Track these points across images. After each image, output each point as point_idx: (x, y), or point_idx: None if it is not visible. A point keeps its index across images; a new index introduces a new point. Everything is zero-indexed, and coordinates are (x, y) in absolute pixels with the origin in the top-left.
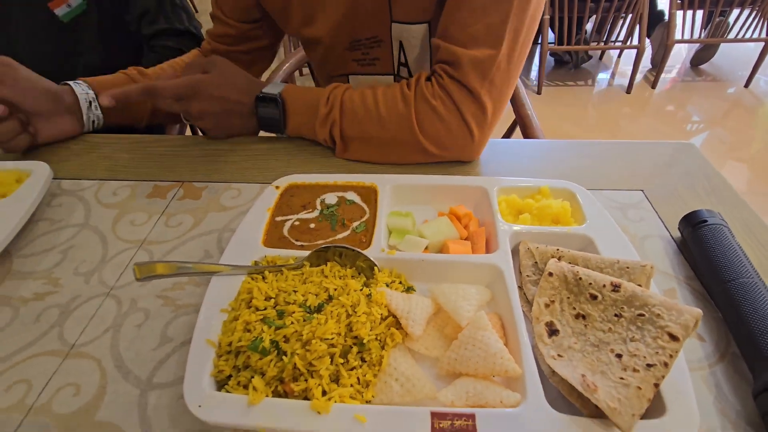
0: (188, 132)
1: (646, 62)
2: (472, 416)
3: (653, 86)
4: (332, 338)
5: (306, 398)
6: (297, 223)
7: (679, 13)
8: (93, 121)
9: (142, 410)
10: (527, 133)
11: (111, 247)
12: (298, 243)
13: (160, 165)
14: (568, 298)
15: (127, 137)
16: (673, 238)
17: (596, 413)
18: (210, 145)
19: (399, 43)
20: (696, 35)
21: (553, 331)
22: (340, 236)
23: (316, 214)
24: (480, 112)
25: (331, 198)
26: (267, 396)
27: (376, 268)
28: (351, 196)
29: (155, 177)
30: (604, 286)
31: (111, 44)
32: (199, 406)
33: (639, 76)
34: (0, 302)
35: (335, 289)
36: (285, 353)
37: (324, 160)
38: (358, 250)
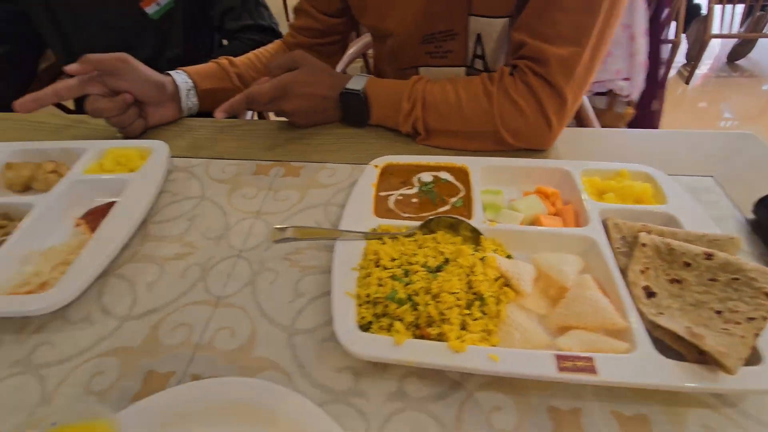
0: (254, 117)
1: (680, 57)
2: (590, 359)
3: (687, 82)
4: (458, 292)
5: (440, 342)
6: (400, 197)
7: (718, 8)
8: (189, 107)
9: (292, 349)
10: (583, 123)
11: (231, 217)
12: (405, 214)
13: (257, 146)
14: (662, 266)
15: (219, 122)
16: (746, 220)
17: (699, 361)
18: (296, 130)
19: (476, 36)
20: (735, 30)
21: (650, 294)
22: (441, 210)
23: (415, 190)
24: (561, 107)
25: (426, 177)
26: (408, 338)
27: (482, 236)
28: (444, 175)
29: (255, 157)
30: (697, 255)
31: (192, 39)
32: (353, 344)
33: (673, 71)
34: (147, 260)
35: (450, 253)
36: (417, 304)
37: (404, 145)
38: (467, 220)
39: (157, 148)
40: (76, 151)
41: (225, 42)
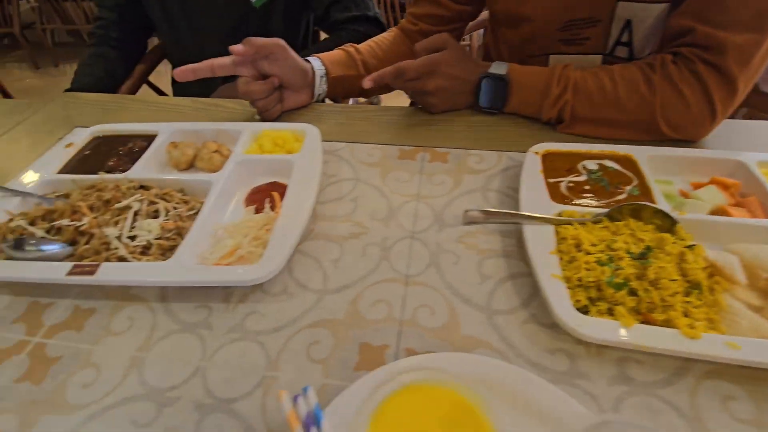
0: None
1: None
2: None
3: None
4: (677, 279)
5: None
6: (571, 184)
7: None
8: (319, 93)
9: (497, 330)
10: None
11: (392, 199)
12: (582, 201)
13: (393, 132)
14: None
15: (349, 107)
16: None
17: None
18: (427, 116)
19: (625, 22)
20: None
21: None
22: (620, 198)
23: (584, 177)
24: (731, 97)
25: (591, 164)
26: (634, 323)
27: (678, 225)
28: (610, 163)
29: (392, 141)
30: None
31: (290, 29)
32: (580, 326)
33: None
34: (324, 238)
35: (650, 241)
36: (635, 290)
37: (541, 132)
38: (663, 209)
39: (309, 131)
40: (232, 132)
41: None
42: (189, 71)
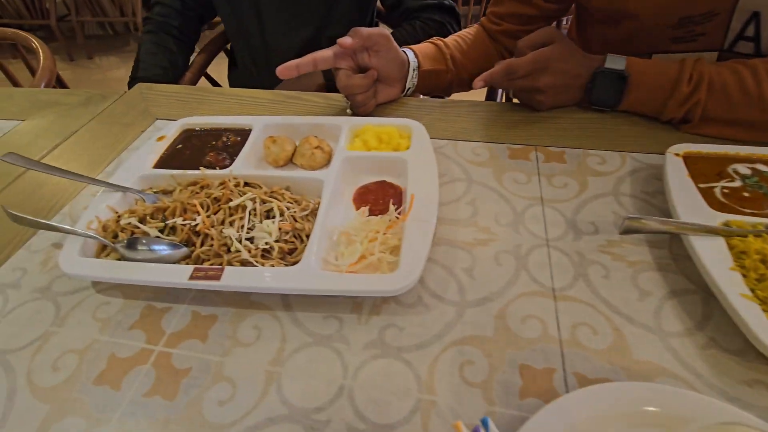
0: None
1: None
2: None
3: None
4: None
5: None
6: (726, 191)
7: None
8: (408, 87)
9: (674, 354)
10: None
11: (515, 202)
12: (747, 210)
13: (497, 129)
14: None
15: (440, 102)
16: None
17: None
18: (529, 112)
19: (750, 14)
20: None
21: None
22: None
23: (738, 183)
24: None
25: (742, 168)
26: None
27: None
28: (763, 167)
29: (498, 139)
30: None
31: (354, 19)
32: None
33: None
34: (449, 244)
35: None
36: None
37: (659, 131)
38: None
39: (415, 128)
40: (329, 127)
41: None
42: (293, 68)
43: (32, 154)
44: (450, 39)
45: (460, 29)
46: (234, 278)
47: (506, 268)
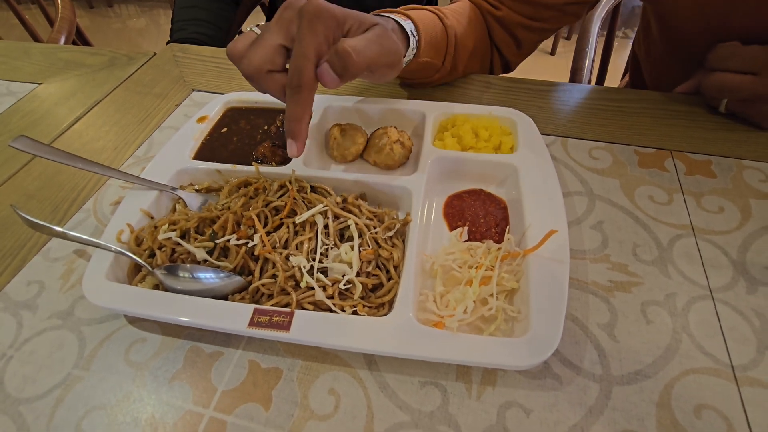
0: None
1: None
2: None
3: None
4: None
5: None
6: None
7: None
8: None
9: None
10: None
11: (657, 230)
12: None
13: (617, 124)
14: None
15: (535, 81)
16: None
17: None
18: (648, 100)
19: None
20: None
21: None
22: None
23: None
24: None
25: None
26: None
27: None
28: None
29: (623, 140)
30: None
31: None
32: None
33: None
34: (578, 286)
35: None
36: None
37: None
38: None
39: (520, 121)
40: (409, 114)
41: None
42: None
43: (50, 128)
44: (448, 8)
45: None
46: (307, 329)
47: (659, 327)
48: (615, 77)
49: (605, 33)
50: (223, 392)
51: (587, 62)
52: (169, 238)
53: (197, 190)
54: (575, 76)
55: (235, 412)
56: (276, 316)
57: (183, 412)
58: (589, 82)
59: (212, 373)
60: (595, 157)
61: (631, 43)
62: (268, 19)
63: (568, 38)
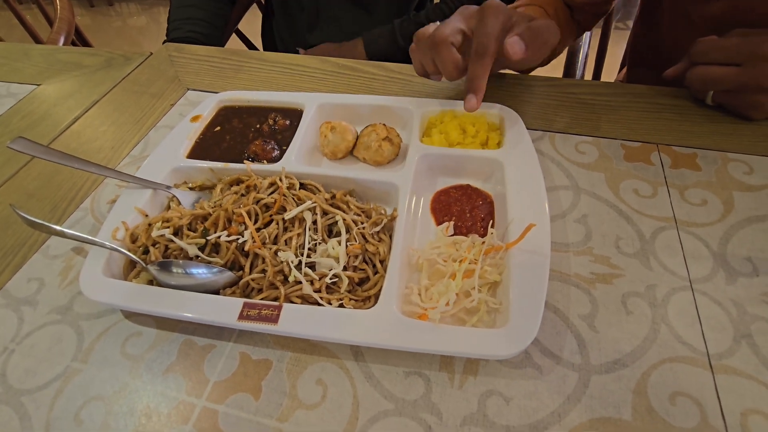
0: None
1: None
2: None
3: None
4: None
5: None
6: None
7: None
8: None
9: None
10: None
11: (640, 223)
12: None
13: (604, 117)
14: None
15: (521, 77)
16: None
17: None
18: (633, 94)
19: None
20: None
21: None
22: None
23: None
24: None
25: None
26: None
27: None
28: None
29: (609, 134)
30: None
31: None
32: None
33: None
34: (561, 279)
35: None
36: None
37: None
38: None
39: (507, 116)
40: (397, 110)
41: None
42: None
43: (49, 129)
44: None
45: None
46: (295, 322)
47: (639, 318)
48: (612, 71)
49: (602, 25)
50: (215, 383)
51: (581, 56)
52: (162, 235)
53: (191, 188)
54: (569, 70)
55: (226, 402)
56: (265, 310)
57: (177, 402)
58: (583, 77)
59: (205, 365)
60: (582, 152)
61: (628, 36)
62: (265, 17)
63: None
